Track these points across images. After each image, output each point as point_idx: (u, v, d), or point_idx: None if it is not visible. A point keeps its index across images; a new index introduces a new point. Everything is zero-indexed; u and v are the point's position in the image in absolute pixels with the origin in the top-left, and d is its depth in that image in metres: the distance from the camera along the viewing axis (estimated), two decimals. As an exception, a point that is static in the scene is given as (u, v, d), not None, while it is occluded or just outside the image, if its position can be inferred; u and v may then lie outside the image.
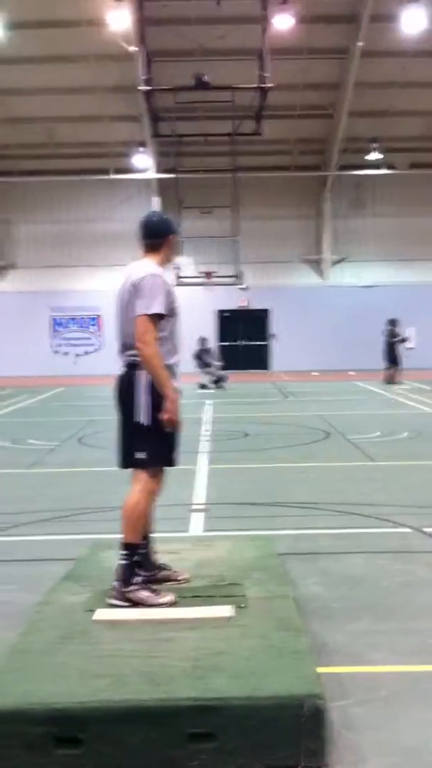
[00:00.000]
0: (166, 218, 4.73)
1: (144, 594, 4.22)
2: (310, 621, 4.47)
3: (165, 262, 4.59)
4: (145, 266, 4.45)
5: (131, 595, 4.21)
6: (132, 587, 4.23)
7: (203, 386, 21.53)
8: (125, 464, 4.42)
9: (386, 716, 3.47)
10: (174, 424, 4.31)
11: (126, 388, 4.32)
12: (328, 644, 4.22)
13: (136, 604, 4.19)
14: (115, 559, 4.42)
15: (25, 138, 28.53)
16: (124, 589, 4.22)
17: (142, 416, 4.26)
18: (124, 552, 4.28)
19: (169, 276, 4.53)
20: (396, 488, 8.36)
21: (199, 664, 3.40)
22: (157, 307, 4.26)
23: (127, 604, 4.19)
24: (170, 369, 4.34)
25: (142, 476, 4.33)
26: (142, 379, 4.27)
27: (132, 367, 4.32)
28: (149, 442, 4.27)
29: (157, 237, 4.58)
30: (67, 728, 3.02)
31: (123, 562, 4.26)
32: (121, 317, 4.42)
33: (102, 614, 4.07)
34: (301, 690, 3.12)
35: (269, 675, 3.27)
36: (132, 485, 4.37)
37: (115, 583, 4.25)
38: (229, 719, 3.03)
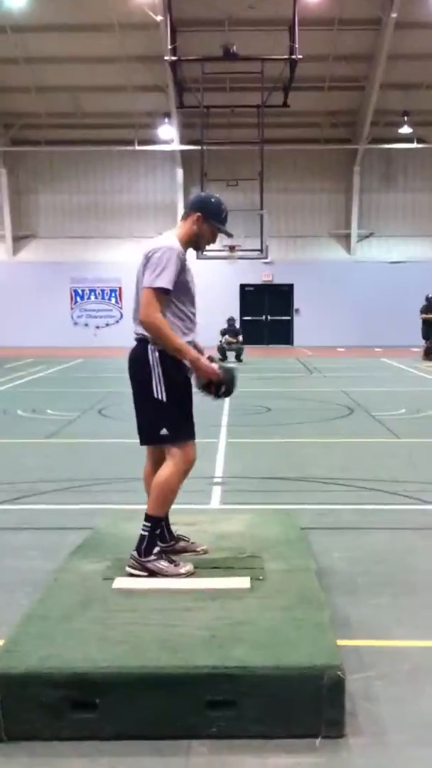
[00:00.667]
0: (206, 198, 4.56)
1: (163, 564, 4.19)
2: (333, 595, 4.40)
3: (188, 239, 4.40)
4: (163, 239, 4.31)
5: (150, 565, 4.18)
6: (151, 557, 4.19)
7: (221, 359, 21.57)
8: (147, 441, 4.37)
9: (408, 690, 3.41)
10: (216, 377, 4.23)
11: (137, 364, 4.25)
12: (351, 618, 4.15)
13: (154, 573, 4.14)
14: (134, 529, 4.38)
15: (51, 107, 28.43)
16: (143, 559, 4.18)
17: (158, 392, 4.17)
18: (147, 523, 4.23)
19: (187, 253, 4.36)
20: (421, 465, 8.25)
21: (218, 633, 3.36)
22: (163, 281, 4.11)
23: (145, 573, 4.15)
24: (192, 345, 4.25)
25: (174, 451, 4.24)
26: (154, 354, 4.18)
27: (142, 342, 4.23)
28: (170, 418, 4.20)
29: (187, 208, 4.51)
30: (84, 692, 3.00)
31: (144, 532, 4.22)
32: (137, 289, 4.30)
33: (121, 582, 4.04)
34: (322, 661, 3.07)
35: (290, 645, 3.23)
36: (166, 460, 4.27)
37: (134, 552, 4.21)
38: (250, 687, 3.00)
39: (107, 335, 29.92)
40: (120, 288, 30.33)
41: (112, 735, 2.98)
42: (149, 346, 4.18)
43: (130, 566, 4.20)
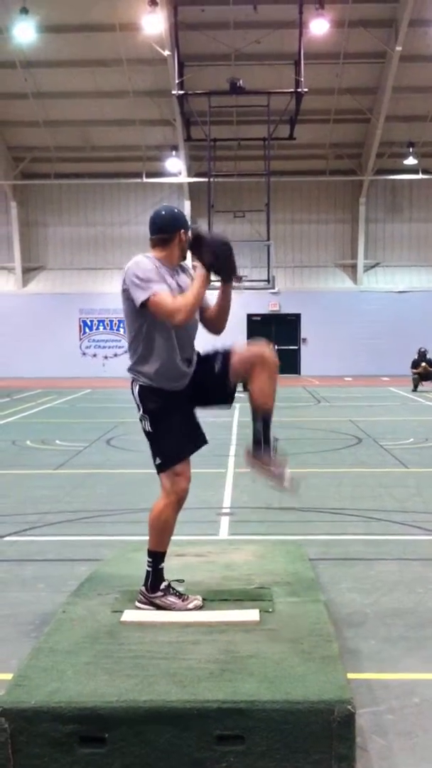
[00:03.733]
0: (177, 212, 4.34)
1: (170, 600, 4.14)
2: (342, 627, 4.38)
3: (173, 261, 4.25)
4: (135, 258, 4.21)
5: (158, 601, 4.14)
6: (158, 593, 4.15)
7: None
8: (157, 470, 4.30)
9: (418, 723, 3.38)
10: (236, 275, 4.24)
11: (133, 400, 4.30)
12: (360, 650, 4.13)
13: (159, 607, 4.13)
14: (142, 561, 4.36)
15: (60, 141, 28.79)
16: (150, 595, 4.15)
17: (146, 425, 4.21)
18: (149, 559, 4.20)
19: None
20: (430, 495, 8.23)
21: (227, 667, 3.34)
22: (156, 288, 3.98)
23: (153, 608, 4.13)
24: (174, 371, 4.19)
25: (165, 482, 4.19)
26: (135, 390, 4.26)
27: (131, 380, 4.29)
28: (160, 447, 4.20)
29: (165, 232, 4.23)
30: (92, 727, 2.98)
31: (149, 568, 4.20)
32: (127, 325, 4.29)
33: (130, 615, 4.02)
34: (332, 695, 3.05)
35: (299, 679, 3.20)
36: (160, 493, 4.25)
37: (143, 588, 4.19)
38: (259, 722, 2.97)
39: (116, 366, 29.99)
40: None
41: (120, 770, 2.96)
42: (132, 383, 4.27)
43: (139, 601, 4.17)
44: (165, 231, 4.24)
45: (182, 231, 4.26)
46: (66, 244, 31.45)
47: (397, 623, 4.53)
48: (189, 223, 4.40)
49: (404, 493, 8.31)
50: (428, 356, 22.93)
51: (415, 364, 22.77)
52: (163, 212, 4.31)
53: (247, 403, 4.41)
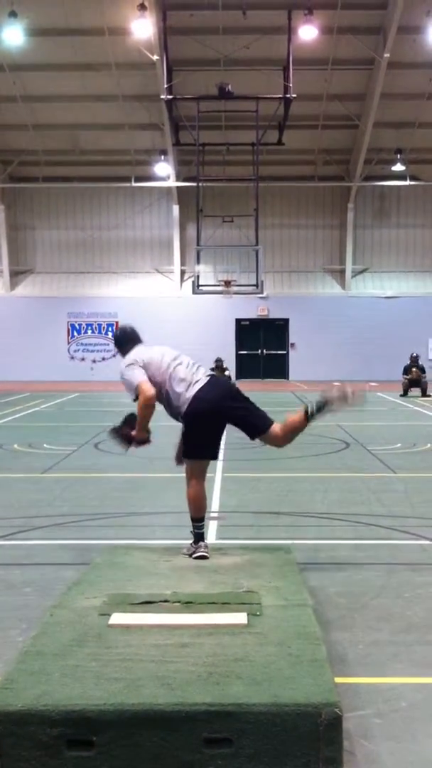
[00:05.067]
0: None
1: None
2: (330, 631, 4.39)
3: None
4: None
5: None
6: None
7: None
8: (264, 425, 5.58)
9: (405, 728, 3.39)
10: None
11: (230, 383, 5.88)
12: (347, 655, 4.14)
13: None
14: (130, 565, 4.41)
15: (49, 145, 28.78)
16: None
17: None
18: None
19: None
20: (417, 500, 8.25)
21: (215, 669, 3.34)
22: None
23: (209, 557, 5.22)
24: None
25: (189, 466, 5.53)
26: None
27: None
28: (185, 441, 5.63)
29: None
30: (80, 731, 2.97)
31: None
32: (177, 354, 5.61)
33: (117, 619, 4.02)
34: (319, 698, 3.05)
35: (287, 683, 3.21)
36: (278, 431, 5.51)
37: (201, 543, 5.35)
38: (247, 725, 2.98)
39: (104, 369, 29.97)
40: (117, 322, 30.43)
41: (108, 774, 2.95)
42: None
43: (202, 549, 5.29)
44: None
45: None
46: (54, 247, 31.41)
47: (384, 627, 4.54)
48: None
49: (392, 498, 8.33)
50: (420, 362, 22.96)
51: (407, 370, 22.79)
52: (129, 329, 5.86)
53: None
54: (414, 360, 22.83)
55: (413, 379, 22.48)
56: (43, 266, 31.49)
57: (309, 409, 5.39)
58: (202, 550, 5.28)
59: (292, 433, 5.50)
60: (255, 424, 5.49)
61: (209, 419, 5.35)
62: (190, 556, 5.25)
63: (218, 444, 5.58)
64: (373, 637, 4.40)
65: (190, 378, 5.40)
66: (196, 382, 5.39)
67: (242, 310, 29.85)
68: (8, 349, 29.98)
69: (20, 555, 6.23)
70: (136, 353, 5.54)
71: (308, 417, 5.39)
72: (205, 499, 5.48)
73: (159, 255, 30.10)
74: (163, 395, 5.42)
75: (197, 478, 5.43)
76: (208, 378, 5.45)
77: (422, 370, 22.76)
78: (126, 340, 5.72)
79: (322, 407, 5.39)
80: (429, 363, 25.21)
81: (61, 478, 9.61)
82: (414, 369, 22.64)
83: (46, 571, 5.73)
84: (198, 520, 5.40)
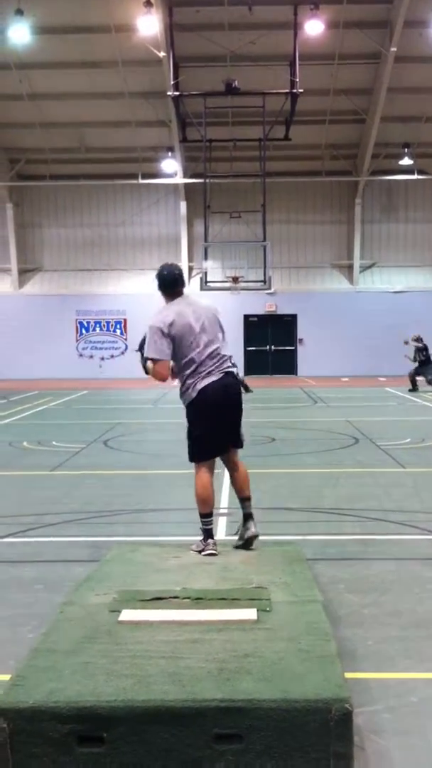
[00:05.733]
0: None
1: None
2: (340, 626, 4.39)
3: None
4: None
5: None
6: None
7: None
8: (241, 445, 5.56)
9: (416, 723, 3.39)
10: None
11: (238, 391, 5.46)
12: (357, 650, 4.14)
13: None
14: (140, 561, 4.48)
15: (56, 142, 28.77)
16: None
17: (243, 409, 5.53)
18: (250, 502, 5.53)
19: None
20: (427, 495, 8.24)
21: (225, 665, 3.35)
22: None
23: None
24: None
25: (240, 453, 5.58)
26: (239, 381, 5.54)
27: (236, 373, 5.48)
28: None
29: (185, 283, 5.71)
30: (91, 727, 2.99)
31: (251, 509, 5.47)
32: (219, 328, 5.44)
33: (127, 615, 4.03)
34: (330, 693, 3.06)
35: (297, 678, 3.21)
36: (238, 456, 5.50)
37: (252, 521, 5.43)
38: (257, 720, 2.98)
39: (112, 367, 29.99)
40: (125, 320, 30.46)
41: (119, 770, 2.97)
42: (237, 374, 5.49)
43: (254, 529, 5.34)
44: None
45: None
46: (62, 245, 31.43)
47: (394, 623, 4.54)
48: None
49: (401, 493, 8.32)
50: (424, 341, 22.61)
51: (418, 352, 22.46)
52: (177, 271, 5.67)
53: (244, 404, 5.02)
54: (418, 340, 22.55)
55: (423, 360, 22.16)
56: (51, 264, 31.51)
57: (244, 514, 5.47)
58: (211, 547, 5.22)
59: (246, 473, 5.57)
60: (236, 439, 5.50)
61: (210, 415, 5.29)
62: (199, 553, 5.21)
63: (219, 441, 5.40)
64: (383, 632, 4.40)
65: (207, 368, 5.29)
66: (209, 373, 5.29)
67: (250, 306, 29.81)
68: (17, 347, 30.02)
69: (30, 552, 6.25)
70: (171, 314, 5.32)
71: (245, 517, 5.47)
72: (212, 494, 5.40)
73: (167, 252, 30.04)
74: (179, 370, 5.36)
75: (204, 471, 5.36)
76: (221, 376, 5.32)
77: (425, 349, 22.44)
78: (165, 284, 5.51)
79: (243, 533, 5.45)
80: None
81: (71, 476, 9.64)
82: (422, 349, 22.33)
83: (56, 568, 5.75)
84: (205, 516, 5.34)
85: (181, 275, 5.61)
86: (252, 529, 5.35)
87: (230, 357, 5.46)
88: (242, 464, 5.54)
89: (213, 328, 5.38)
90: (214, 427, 5.32)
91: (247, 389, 5.67)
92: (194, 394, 5.28)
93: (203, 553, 5.19)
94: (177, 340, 5.26)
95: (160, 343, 5.24)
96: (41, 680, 3.22)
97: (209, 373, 5.28)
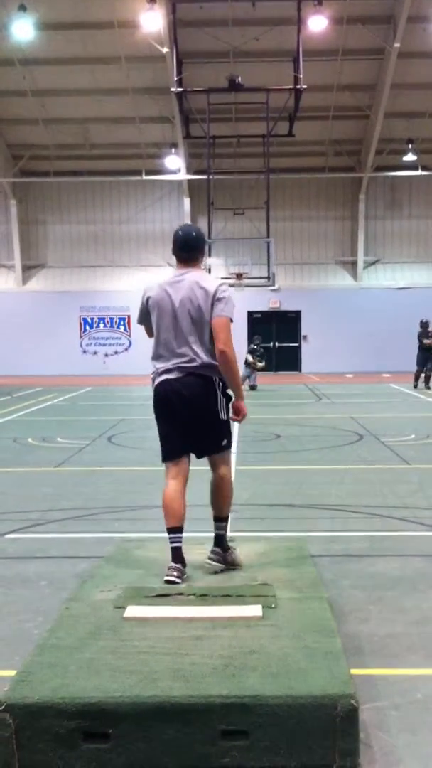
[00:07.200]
0: (201, 231, 5.08)
1: (236, 554, 4.79)
2: (345, 623, 4.39)
3: None
4: (211, 276, 4.99)
5: (230, 558, 4.73)
6: (229, 550, 4.76)
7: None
8: (209, 452, 4.79)
9: (422, 719, 3.38)
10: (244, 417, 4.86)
11: (206, 391, 4.62)
12: (363, 646, 4.13)
13: (232, 564, 4.73)
14: (145, 557, 4.54)
15: (59, 139, 28.77)
16: (225, 553, 4.72)
17: (223, 413, 4.71)
18: (224, 523, 4.83)
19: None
20: (431, 491, 8.22)
21: (230, 662, 3.35)
22: (233, 313, 4.73)
23: (224, 565, 4.70)
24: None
25: (227, 457, 4.85)
26: (217, 381, 4.66)
27: (208, 371, 4.62)
28: (228, 430, 4.81)
29: (201, 250, 4.93)
30: (96, 723, 2.99)
31: (223, 531, 4.80)
32: (191, 320, 4.61)
33: (132, 611, 4.03)
34: (335, 690, 3.05)
35: (302, 675, 3.21)
36: (220, 468, 4.78)
37: (217, 549, 4.73)
38: (263, 717, 2.98)
39: (116, 363, 30.01)
40: (128, 316, 30.45)
41: (124, 766, 2.97)
42: (215, 378, 4.64)
43: (213, 560, 4.70)
44: (201, 249, 4.93)
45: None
46: (66, 241, 31.43)
47: (399, 619, 4.54)
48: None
49: (406, 489, 8.31)
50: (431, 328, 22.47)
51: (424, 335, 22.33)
52: (195, 232, 4.94)
53: (249, 400, 4.67)
54: (424, 325, 22.43)
55: (428, 346, 22.00)
56: (55, 261, 31.52)
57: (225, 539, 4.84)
58: (170, 572, 4.45)
59: (224, 489, 4.83)
60: (206, 445, 4.75)
61: (163, 415, 4.70)
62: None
63: (178, 444, 4.68)
64: (389, 628, 4.40)
65: (166, 366, 4.64)
66: (168, 370, 4.63)
67: (254, 303, 29.80)
68: (21, 344, 30.04)
69: (35, 548, 6.26)
70: (155, 287, 4.75)
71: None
72: (179, 506, 4.61)
73: (170, 248, 30.02)
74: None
75: (171, 477, 4.69)
76: (181, 375, 4.59)
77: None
78: (173, 246, 4.86)
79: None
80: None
81: (75, 472, 9.64)
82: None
83: (61, 564, 5.75)
84: (169, 530, 4.59)
85: (187, 239, 4.78)
86: (213, 562, 4.66)
87: (210, 365, 4.61)
88: (224, 474, 4.75)
89: (197, 325, 4.60)
90: (169, 428, 4.67)
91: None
92: (153, 389, 4.75)
93: (165, 577, 4.46)
94: (153, 318, 4.71)
95: (139, 315, 4.85)
96: (46, 676, 3.22)
97: (168, 371, 4.63)
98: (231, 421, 4.76)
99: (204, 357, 4.59)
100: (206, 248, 4.89)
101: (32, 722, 2.99)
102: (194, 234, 4.85)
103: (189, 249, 4.78)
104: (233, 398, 4.74)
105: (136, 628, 3.82)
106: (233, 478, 8.42)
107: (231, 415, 4.77)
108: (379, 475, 9.17)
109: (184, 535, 4.59)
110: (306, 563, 4.91)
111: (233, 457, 10.13)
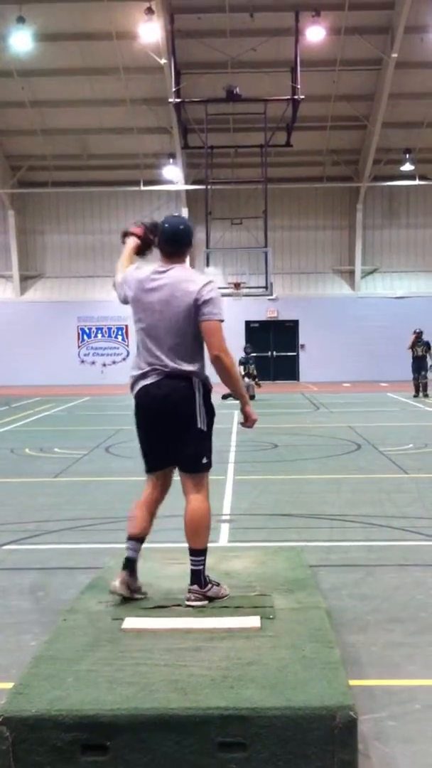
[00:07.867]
0: (189, 223, 4.60)
1: (216, 588, 4.34)
2: (344, 633, 4.37)
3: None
4: (197, 274, 4.42)
5: (210, 593, 4.31)
6: (209, 585, 4.32)
7: (225, 397, 21.31)
8: (193, 469, 4.34)
9: (420, 730, 3.37)
10: (253, 422, 4.48)
11: (181, 398, 4.24)
12: (361, 657, 4.12)
13: (212, 600, 4.29)
14: (142, 568, 4.45)
15: (57, 149, 28.86)
16: (204, 590, 4.29)
17: (202, 423, 4.28)
18: (200, 558, 4.33)
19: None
20: (430, 501, 8.22)
21: (228, 673, 3.34)
22: (223, 314, 4.38)
23: (206, 602, 4.26)
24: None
25: (205, 481, 4.37)
26: (198, 387, 4.28)
27: (185, 377, 4.26)
28: (209, 447, 4.36)
29: (188, 244, 4.47)
30: (94, 735, 2.98)
31: (199, 567, 4.32)
32: (173, 326, 4.25)
33: (130, 623, 4.02)
34: (334, 701, 3.04)
35: (300, 686, 3.20)
36: (191, 495, 4.32)
37: (194, 587, 4.30)
38: (261, 729, 2.97)
39: (114, 373, 30.00)
40: (126, 326, 30.44)
41: (122, 778, 2.95)
42: (194, 380, 4.26)
43: (193, 600, 4.26)
44: (188, 243, 4.47)
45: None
46: (64, 252, 31.47)
47: (397, 629, 4.53)
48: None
49: (404, 498, 8.30)
50: (423, 338, 22.87)
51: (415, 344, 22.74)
52: (183, 225, 4.47)
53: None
54: (418, 335, 22.79)
55: (419, 356, 22.38)
56: (53, 271, 31.56)
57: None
58: (115, 585, 4.26)
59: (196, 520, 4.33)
60: (180, 460, 4.38)
61: (140, 423, 4.44)
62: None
63: (157, 457, 4.43)
64: (387, 638, 4.39)
65: (145, 370, 4.35)
66: (145, 375, 4.35)
67: (252, 312, 29.82)
68: (19, 354, 30.04)
69: (33, 559, 6.24)
70: (135, 281, 4.40)
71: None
72: (143, 516, 4.46)
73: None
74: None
75: (145, 487, 4.53)
76: (159, 378, 4.29)
77: (428, 345, 22.69)
78: (160, 238, 4.44)
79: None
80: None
81: (73, 482, 9.62)
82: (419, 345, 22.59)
83: (58, 575, 5.74)
84: (129, 538, 4.43)
85: (175, 232, 4.38)
86: (192, 602, 4.24)
87: (190, 370, 4.28)
88: (196, 500, 4.29)
89: (178, 329, 4.26)
90: (148, 440, 4.42)
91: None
92: (133, 395, 4.43)
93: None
94: (132, 315, 4.40)
95: (118, 297, 4.54)
96: (44, 688, 3.21)
97: (144, 375, 4.34)
98: (211, 437, 4.34)
99: (182, 362, 4.24)
100: (193, 241, 4.45)
101: (30, 735, 2.98)
102: (182, 227, 4.40)
103: (175, 243, 4.36)
104: (214, 413, 4.35)
105: (134, 639, 3.80)
106: (230, 488, 8.38)
107: (240, 421, 4.52)
108: (377, 484, 9.16)
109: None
110: (304, 573, 4.90)
111: (230, 468, 10.18)
